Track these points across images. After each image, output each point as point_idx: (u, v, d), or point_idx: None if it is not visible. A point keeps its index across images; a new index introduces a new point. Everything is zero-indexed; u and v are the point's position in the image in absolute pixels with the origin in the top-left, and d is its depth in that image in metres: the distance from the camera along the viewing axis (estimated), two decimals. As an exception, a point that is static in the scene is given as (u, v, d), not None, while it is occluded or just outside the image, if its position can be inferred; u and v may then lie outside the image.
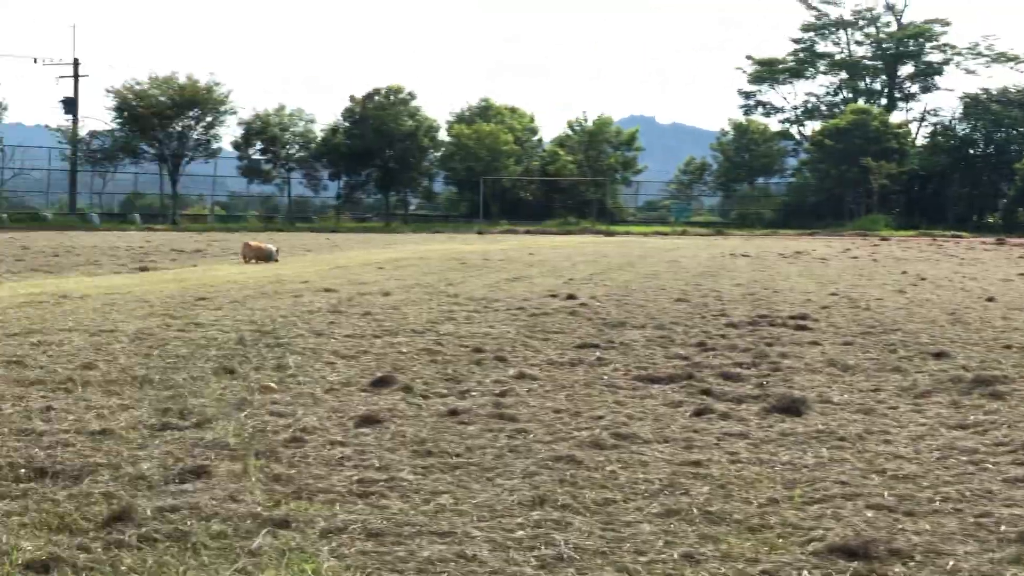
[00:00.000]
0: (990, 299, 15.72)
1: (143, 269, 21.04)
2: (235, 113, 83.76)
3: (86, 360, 8.49)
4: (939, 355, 9.41)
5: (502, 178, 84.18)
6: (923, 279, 20.88)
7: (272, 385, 7.43)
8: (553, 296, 15.37)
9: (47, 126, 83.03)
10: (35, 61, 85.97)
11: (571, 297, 15.12)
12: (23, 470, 5.13)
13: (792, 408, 6.59)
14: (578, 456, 5.37)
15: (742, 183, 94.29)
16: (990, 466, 5.34)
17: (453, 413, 6.47)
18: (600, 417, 6.42)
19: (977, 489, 4.92)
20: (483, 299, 14.70)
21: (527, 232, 73.44)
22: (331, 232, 67.72)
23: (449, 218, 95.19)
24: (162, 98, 78.65)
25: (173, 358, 8.81)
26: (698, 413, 6.52)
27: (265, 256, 25.69)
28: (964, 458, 5.49)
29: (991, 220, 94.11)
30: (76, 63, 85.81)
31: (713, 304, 14.47)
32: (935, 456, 5.54)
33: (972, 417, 6.51)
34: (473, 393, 7.26)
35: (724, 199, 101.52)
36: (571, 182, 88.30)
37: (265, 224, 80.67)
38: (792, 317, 12.62)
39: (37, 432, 5.90)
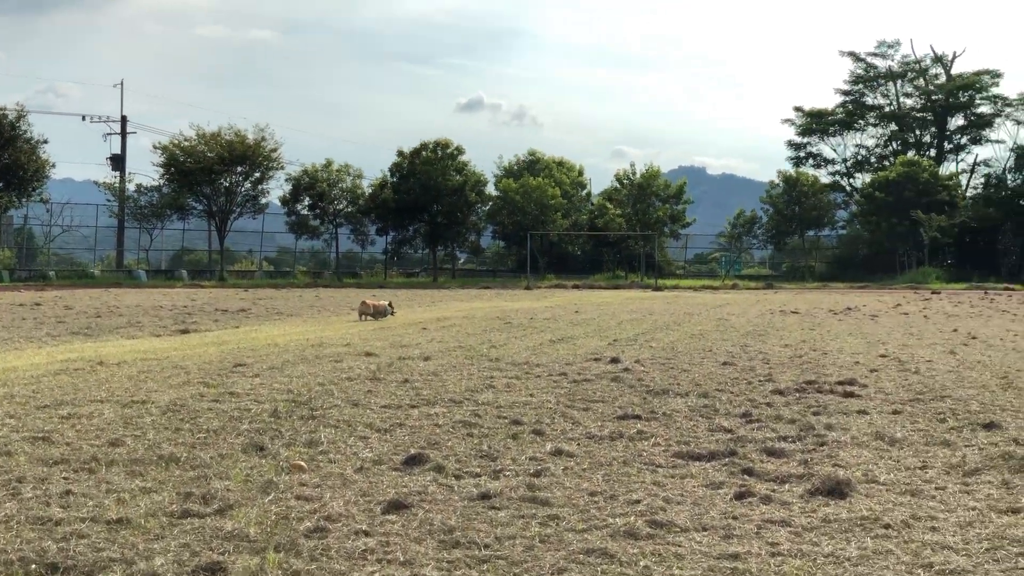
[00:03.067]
0: (1044, 360, 15.37)
1: (184, 331, 20.96)
2: (283, 168, 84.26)
3: (114, 436, 8.33)
4: (989, 426, 9.10)
5: (549, 232, 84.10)
6: (974, 337, 20.51)
7: (301, 464, 7.23)
8: (596, 360, 15.14)
9: (95, 182, 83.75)
10: (83, 118, 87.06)
11: (615, 360, 14.88)
12: (34, 565, 4.94)
13: (836, 490, 6.32)
14: (611, 549, 5.13)
15: (793, 235, 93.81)
16: (1045, 562, 5.05)
17: (485, 497, 6.24)
18: (637, 501, 6.17)
19: (1032, 589, 4.65)
20: (524, 363, 14.49)
21: (575, 286, 73.30)
22: (378, 288, 67.78)
23: (497, 272, 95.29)
24: (210, 154, 79.14)
25: (203, 433, 8.63)
26: (739, 496, 6.26)
27: (381, 312, 26.47)
28: (1015, 549, 5.21)
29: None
30: (124, 120, 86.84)
31: (760, 368, 14.20)
32: (984, 546, 5.27)
33: (1023, 499, 6.22)
34: (507, 472, 7.03)
35: (775, 252, 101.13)
36: (619, 236, 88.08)
37: (313, 279, 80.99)
38: (840, 383, 12.33)
39: (54, 520, 5.73)
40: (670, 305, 37.39)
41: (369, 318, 25.99)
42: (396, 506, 5.98)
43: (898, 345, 18.49)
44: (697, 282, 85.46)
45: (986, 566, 4.96)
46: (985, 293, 57.37)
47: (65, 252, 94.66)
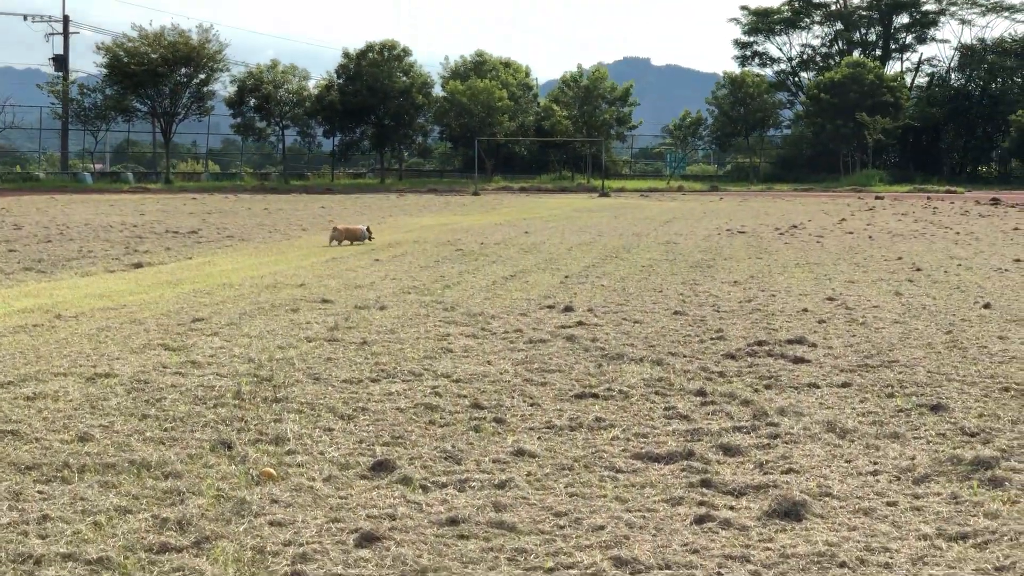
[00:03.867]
0: (986, 306, 15.70)
1: (137, 265, 20.97)
2: (228, 70, 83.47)
3: (82, 429, 8.46)
4: (936, 408, 9.38)
5: (496, 135, 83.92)
6: (919, 270, 20.90)
7: (271, 472, 7.40)
8: (551, 307, 15.34)
9: (38, 85, 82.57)
10: (25, 18, 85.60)
11: (568, 309, 15.09)
12: (22, 626, 5.11)
13: (792, 512, 6.57)
14: (578, 601, 5.36)
15: (738, 137, 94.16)
16: (991, 610, 5.32)
17: (453, 522, 6.44)
18: (601, 527, 6.39)
19: (979, 654, 4.91)
20: (480, 314, 14.66)
21: (521, 189, 73.66)
22: (326, 191, 67.62)
23: (444, 173, 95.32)
24: (153, 55, 78.23)
25: (170, 423, 8.77)
26: (699, 521, 6.49)
27: (358, 237, 26.58)
28: (967, 598, 5.47)
29: (985, 171, 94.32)
30: (66, 20, 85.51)
31: (711, 319, 14.45)
32: (937, 590, 5.53)
33: (972, 523, 6.48)
34: (472, 483, 7.23)
35: (719, 152, 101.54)
36: (566, 140, 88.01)
37: (261, 182, 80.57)
38: (790, 341, 12.61)
39: (34, 559, 5.87)
40: (618, 220, 37.66)
41: (346, 242, 26.17)
42: (368, 539, 6.16)
43: (844, 281, 18.83)
44: (643, 183, 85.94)
45: (937, 618, 5.22)
46: (928, 199, 58.08)
47: (7, 147, 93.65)
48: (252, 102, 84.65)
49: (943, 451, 8.01)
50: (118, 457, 7.77)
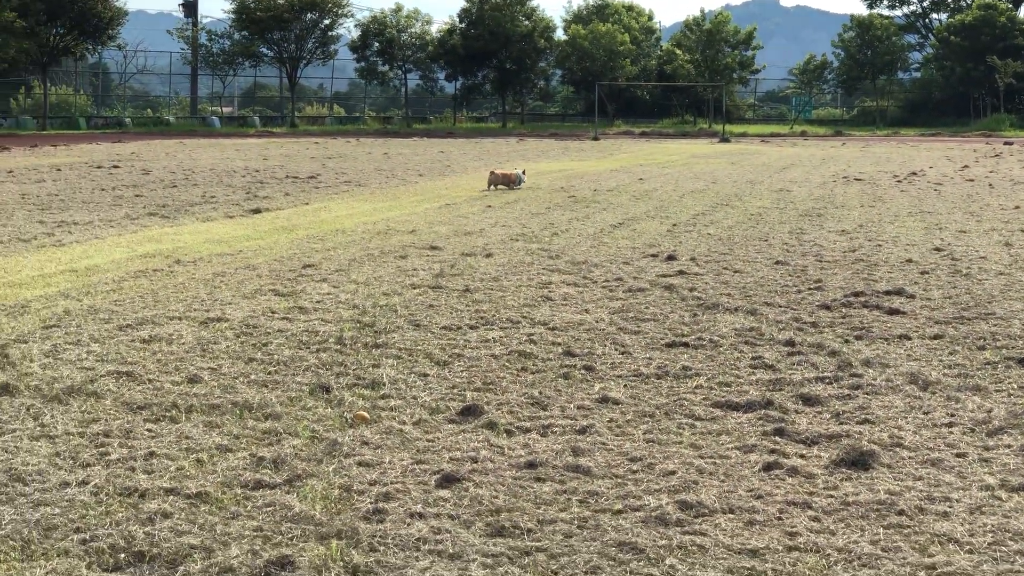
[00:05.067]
0: (1098, 258, 15.59)
1: (255, 211, 21.56)
2: (352, 16, 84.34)
3: (192, 372, 8.92)
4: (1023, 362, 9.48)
5: (618, 80, 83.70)
6: (1034, 220, 20.67)
7: (365, 415, 7.78)
8: (654, 256, 15.57)
9: (168, 31, 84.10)
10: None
11: (671, 258, 15.30)
12: (123, 554, 5.53)
13: (860, 461, 6.77)
14: (641, 543, 5.63)
15: (864, 80, 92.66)
16: (1040, 561, 5.50)
17: (531, 466, 6.76)
18: (672, 472, 6.67)
19: (1019, 600, 5.11)
20: (583, 262, 14.94)
21: (642, 134, 73.49)
22: (447, 135, 68.17)
23: (566, 117, 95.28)
24: (280, 1, 79.19)
25: (274, 366, 9.21)
26: (767, 468, 6.73)
27: (514, 181, 27.16)
28: (1015, 546, 5.63)
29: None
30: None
31: (812, 269, 14.56)
32: (988, 541, 5.70)
33: (1037, 474, 6.65)
34: (554, 429, 7.55)
35: (846, 96, 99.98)
36: (687, 85, 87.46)
37: (384, 125, 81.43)
38: (888, 292, 12.70)
39: (139, 492, 6.31)
40: (734, 167, 37.54)
41: (502, 187, 26.88)
42: (449, 479, 6.51)
43: (955, 231, 18.74)
44: (767, 128, 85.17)
45: (984, 566, 5.41)
46: (1058, 145, 56.76)
47: (140, 91, 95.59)
48: (376, 46, 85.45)
49: (1022, 404, 8.13)
50: (223, 399, 8.20)
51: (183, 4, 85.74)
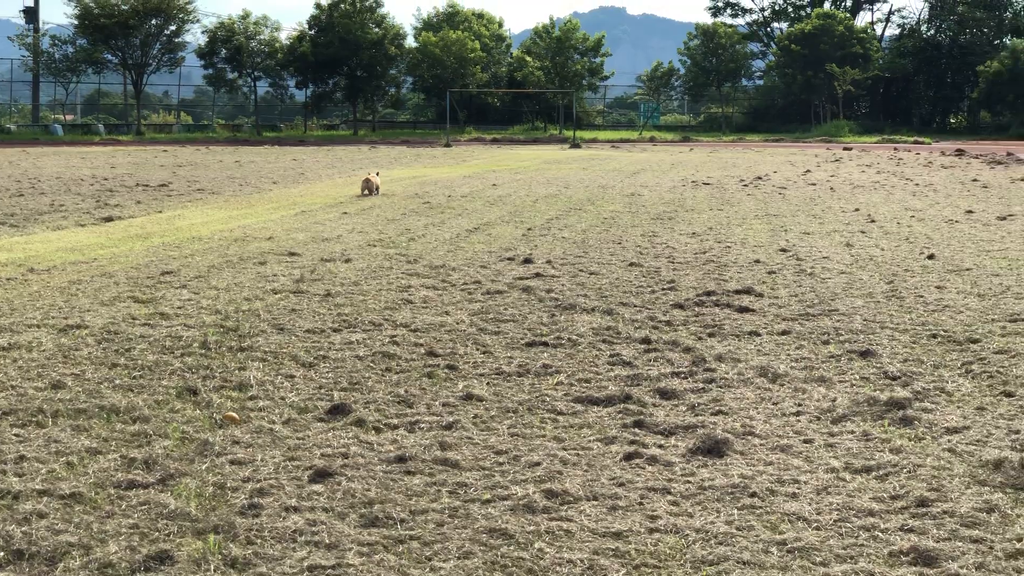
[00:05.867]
0: (931, 256, 16.27)
1: (107, 219, 21.37)
2: (199, 21, 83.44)
3: (55, 378, 8.93)
4: (865, 354, 9.94)
5: (469, 86, 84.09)
6: (873, 221, 21.45)
7: (234, 416, 7.90)
8: (511, 259, 15.84)
9: (9, 38, 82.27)
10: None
11: (527, 261, 15.59)
12: (1, 553, 5.60)
13: (715, 449, 7.11)
14: (510, 529, 5.87)
15: (710, 87, 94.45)
16: (879, 534, 5.85)
17: (401, 460, 6.96)
18: (537, 464, 6.92)
19: (862, 571, 5.45)
20: (441, 266, 15.15)
21: (494, 140, 73.94)
22: (299, 143, 67.82)
23: (417, 124, 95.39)
24: (123, 7, 78.00)
25: (139, 371, 9.25)
26: (628, 457, 7.03)
27: (378, 187, 28.02)
28: (858, 522, 6.00)
29: (954, 122, 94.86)
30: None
31: (665, 270, 14.97)
32: (833, 518, 6.06)
33: (877, 456, 7.03)
34: (422, 425, 7.75)
35: (692, 103, 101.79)
36: (537, 91, 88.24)
37: (233, 133, 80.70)
38: (738, 291, 13.15)
39: (12, 494, 6.36)
40: (586, 172, 38.09)
41: (369, 192, 27.53)
42: (321, 474, 6.68)
43: (800, 233, 19.36)
44: (616, 133, 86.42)
45: (831, 542, 5.75)
46: (895, 150, 58.53)
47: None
48: (224, 53, 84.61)
49: (863, 393, 8.56)
50: (89, 403, 8.24)
51: (24, 10, 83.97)
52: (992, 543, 5.77)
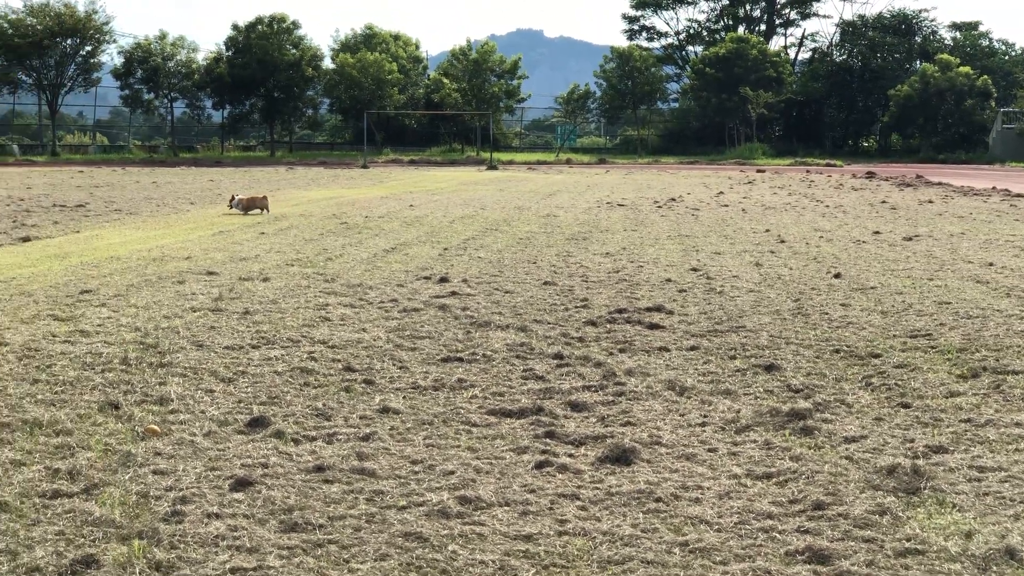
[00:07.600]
0: (837, 275, 16.73)
1: (25, 239, 21.36)
2: (115, 42, 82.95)
3: (-22, 394, 9.06)
4: (770, 368, 10.31)
5: (387, 108, 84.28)
6: (783, 241, 21.96)
7: (155, 428, 8.08)
8: (427, 279, 16.09)
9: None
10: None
11: (443, 280, 15.85)
12: (-70, 560, 5.77)
13: (622, 457, 7.41)
14: (425, 532, 6.13)
15: (626, 110, 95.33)
16: (777, 535, 6.19)
17: (319, 469, 7.19)
18: (451, 472, 7.18)
19: (759, 569, 5.77)
20: (359, 285, 15.37)
21: (411, 162, 74.18)
22: (216, 164, 67.62)
23: (334, 146, 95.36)
24: (38, 27, 77.41)
25: (60, 386, 9.39)
26: (539, 466, 7.31)
27: (260, 206, 28.13)
28: (757, 524, 6.33)
29: (866, 145, 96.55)
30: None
31: (578, 288, 15.29)
32: (734, 521, 6.38)
33: (778, 464, 7.37)
34: (339, 436, 7.99)
35: (609, 125, 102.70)
36: (455, 112, 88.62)
37: (150, 154, 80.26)
38: (649, 309, 13.49)
39: (-60, 505, 6.53)
40: (502, 194, 38.43)
41: (255, 211, 27.91)
42: (242, 483, 6.89)
43: (711, 253, 19.79)
44: (533, 156, 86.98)
45: (730, 543, 6.06)
46: (807, 172, 59.54)
47: None
48: (140, 73, 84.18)
49: (767, 405, 8.91)
50: (11, 417, 8.39)
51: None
52: (883, 543, 6.12)
